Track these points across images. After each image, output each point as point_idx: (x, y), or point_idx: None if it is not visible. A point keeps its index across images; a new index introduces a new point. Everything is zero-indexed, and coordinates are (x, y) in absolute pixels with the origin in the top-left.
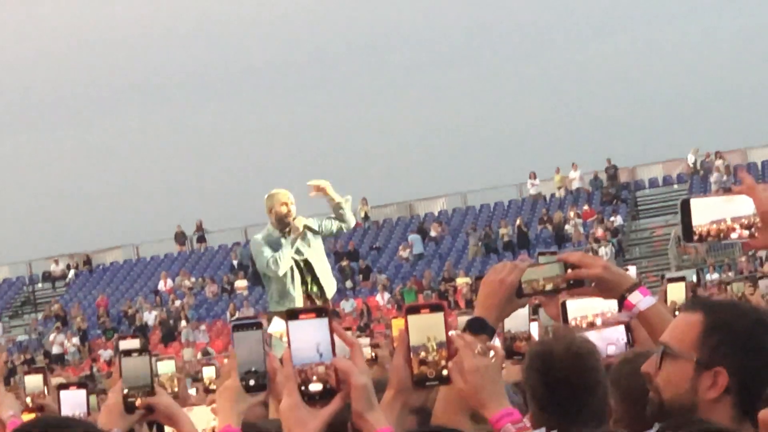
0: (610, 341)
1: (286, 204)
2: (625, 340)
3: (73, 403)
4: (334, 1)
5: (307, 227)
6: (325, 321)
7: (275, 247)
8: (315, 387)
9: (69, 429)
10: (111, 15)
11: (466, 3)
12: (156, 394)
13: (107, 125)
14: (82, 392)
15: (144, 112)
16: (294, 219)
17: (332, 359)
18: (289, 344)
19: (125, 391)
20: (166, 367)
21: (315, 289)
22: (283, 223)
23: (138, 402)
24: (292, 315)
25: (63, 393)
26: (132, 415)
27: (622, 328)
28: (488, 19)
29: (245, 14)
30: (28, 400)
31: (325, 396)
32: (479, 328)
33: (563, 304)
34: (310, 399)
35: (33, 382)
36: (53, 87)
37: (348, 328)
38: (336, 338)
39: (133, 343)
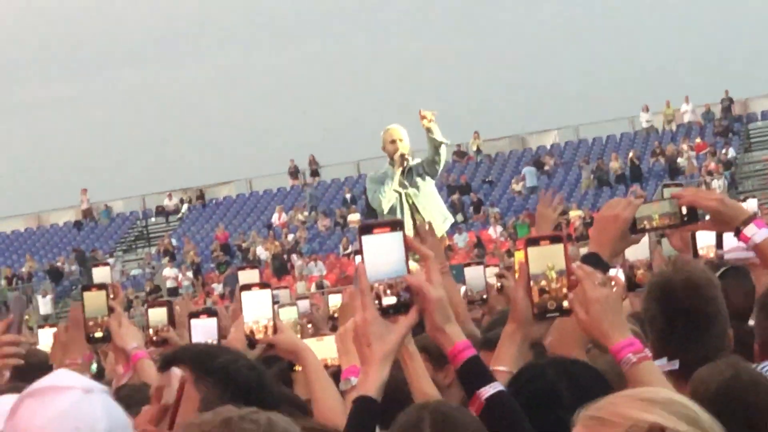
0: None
1: (395, 141)
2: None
3: (203, 331)
4: None
5: (403, 157)
6: (399, 234)
7: (383, 182)
8: (389, 300)
9: (218, 358)
10: None
11: None
12: (278, 331)
13: (220, 60)
14: (213, 320)
15: (254, 48)
16: (399, 154)
17: (405, 276)
18: (363, 258)
19: (248, 325)
20: (288, 314)
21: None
22: (392, 160)
23: (260, 337)
24: (365, 229)
25: (193, 321)
26: (254, 350)
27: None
28: None
29: None
30: (151, 332)
31: (400, 309)
32: (594, 263)
33: (693, 235)
34: (384, 312)
35: (156, 315)
36: (167, 21)
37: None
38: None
39: (253, 275)
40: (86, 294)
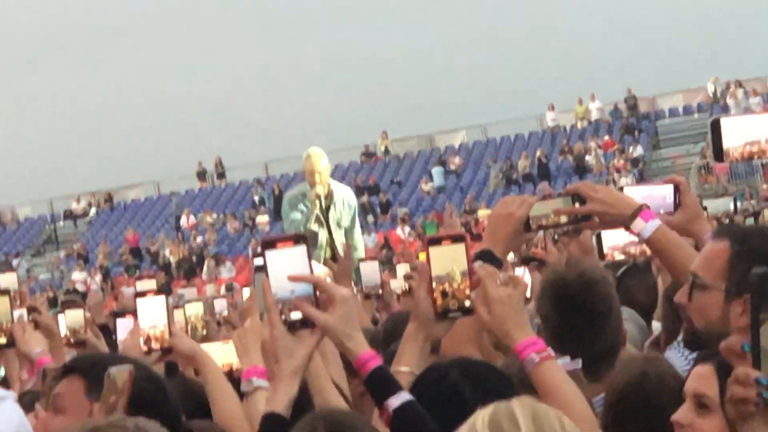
0: (657, 203)
1: (313, 174)
2: (672, 200)
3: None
4: None
5: (319, 197)
6: (303, 248)
7: (296, 206)
8: (295, 315)
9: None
10: None
11: None
12: (173, 335)
13: (124, 61)
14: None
15: (162, 48)
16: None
17: (294, 300)
18: (267, 274)
19: (143, 332)
20: (194, 309)
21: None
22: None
23: (155, 344)
24: (268, 244)
25: (119, 321)
26: (149, 355)
27: (670, 187)
28: None
29: None
30: (68, 333)
31: (307, 324)
32: (487, 260)
33: (598, 236)
34: (291, 327)
35: (73, 317)
36: (72, 22)
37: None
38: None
39: (150, 284)
40: None
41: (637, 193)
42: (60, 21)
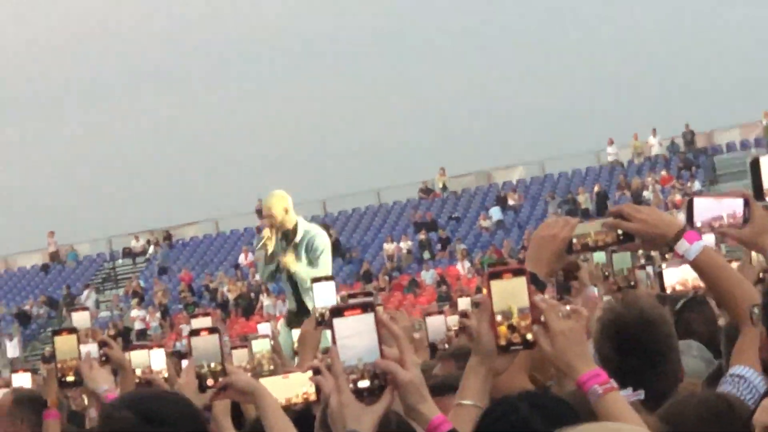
0: (726, 215)
1: (265, 218)
2: (742, 213)
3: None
4: None
5: (265, 246)
6: (371, 316)
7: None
8: (363, 383)
9: (164, 406)
10: None
11: None
12: (228, 373)
13: (186, 100)
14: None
15: (217, 87)
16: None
17: (376, 360)
18: (334, 341)
19: (197, 369)
20: (260, 345)
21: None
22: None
23: (210, 381)
24: (336, 312)
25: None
26: (204, 393)
27: (740, 201)
28: None
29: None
30: (138, 372)
31: (374, 392)
32: (531, 282)
33: (659, 274)
34: (359, 395)
35: (139, 357)
36: (125, 62)
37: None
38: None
39: (204, 322)
40: (57, 338)
41: (706, 205)
42: (122, 59)
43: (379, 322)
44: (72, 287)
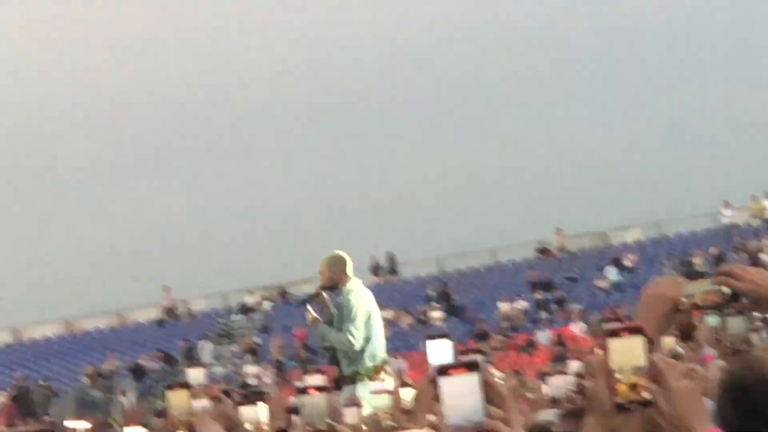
0: None
1: (321, 277)
2: None
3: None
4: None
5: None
6: (476, 376)
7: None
8: None
9: None
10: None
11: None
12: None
13: (310, 158)
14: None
15: (336, 145)
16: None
17: (481, 420)
18: (441, 400)
19: (307, 427)
20: (380, 401)
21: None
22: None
23: None
24: (442, 371)
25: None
26: None
27: None
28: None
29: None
30: (249, 426)
31: None
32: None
33: None
34: None
35: (248, 412)
36: (258, 115)
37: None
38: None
39: (317, 379)
40: (170, 393)
41: None
42: (247, 114)
43: (484, 382)
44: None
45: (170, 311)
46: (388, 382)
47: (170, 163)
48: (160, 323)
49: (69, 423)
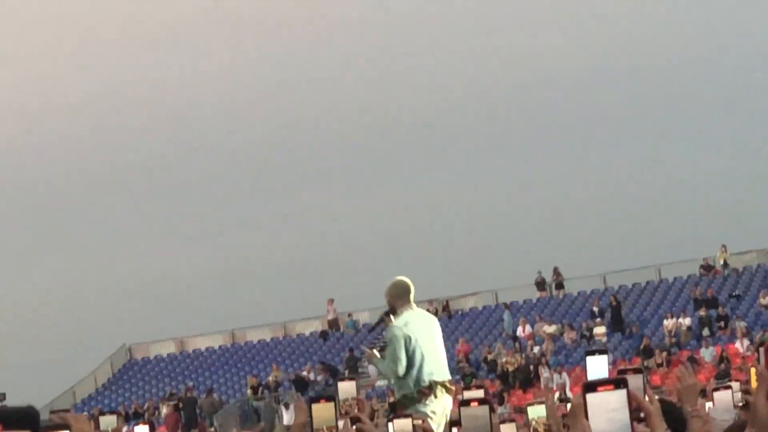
0: None
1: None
2: None
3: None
4: None
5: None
6: (623, 393)
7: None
8: None
9: None
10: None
11: None
12: None
13: (462, 172)
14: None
15: (503, 159)
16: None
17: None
18: (586, 416)
19: None
20: (536, 412)
21: None
22: None
23: None
24: (589, 387)
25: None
26: None
27: None
28: None
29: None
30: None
31: None
32: None
33: None
34: None
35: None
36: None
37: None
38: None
39: (477, 394)
40: (314, 406)
41: None
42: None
43: (631, 398)
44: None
45: (334, 323)
46: (438, 402)
47: (335, 177)
48: (323, 335)
49: None
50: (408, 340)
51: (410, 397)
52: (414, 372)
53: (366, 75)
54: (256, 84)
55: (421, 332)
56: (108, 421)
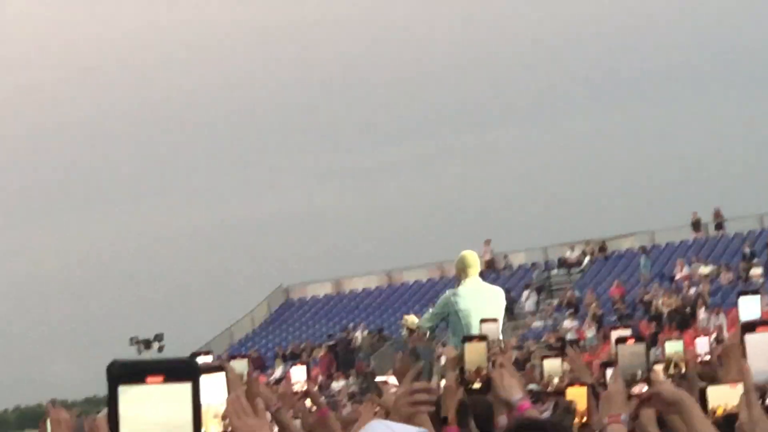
0: None
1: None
2: None
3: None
4: None
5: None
6: None
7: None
8: None
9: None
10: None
11: None
12: (654, 383)
13: (617, 114)
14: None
15: (658, 101)
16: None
17: None
18: (745, 356)
19: (625, 378)
20: (673, 347)
21: None
22: None
23: (635, 389)
24: (748, 327)
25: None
26: (630, 402)
27: None
28: None
29: None
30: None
31: None
32: None
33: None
34: None
35: (552, 365)
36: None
37: None
38: None
39: (626, 332)
40: (467, 345)
41: None
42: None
43: None
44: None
45: (490, 264)
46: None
47: (498, 119)
48: (481, 275)
49: (381, 378)
50: (448, 304)
51: None
52: (451, 341)
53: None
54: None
55: (470, 303)
56: (239, 365)
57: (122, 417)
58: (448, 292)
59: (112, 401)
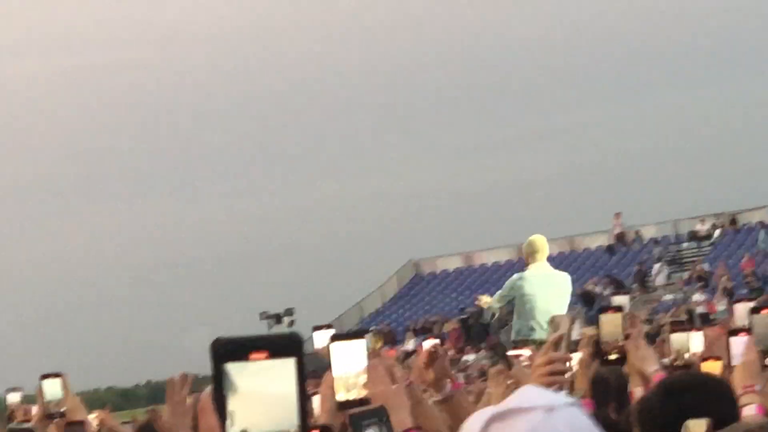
0: None
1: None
2: None
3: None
4: None
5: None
6: None
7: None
8: None
9: None
10: None
11: None
12: None
13: (758, 84)
14: None
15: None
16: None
17: None
18: None
19: (759, 348)
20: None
21: None
22: None
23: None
24: None
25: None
26: (765, 372)
27: None
28: None
29: None
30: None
31: None
32: None
33: None
34: None
35: (679, 339)
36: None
37: None
38: None
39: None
40: (602, 317)
41: None
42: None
43: None
44: (634, 271)
45: (620, 237)
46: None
47: (624, 91)
48: (609, 249)
49: (512, 352)
50: (514, 288)
51: (515, 341)
52: (515, 324)
53: None
54: None
55: (536, 288)
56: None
57: (227, 395)
58: (515, 276)
59: (216, 379)
